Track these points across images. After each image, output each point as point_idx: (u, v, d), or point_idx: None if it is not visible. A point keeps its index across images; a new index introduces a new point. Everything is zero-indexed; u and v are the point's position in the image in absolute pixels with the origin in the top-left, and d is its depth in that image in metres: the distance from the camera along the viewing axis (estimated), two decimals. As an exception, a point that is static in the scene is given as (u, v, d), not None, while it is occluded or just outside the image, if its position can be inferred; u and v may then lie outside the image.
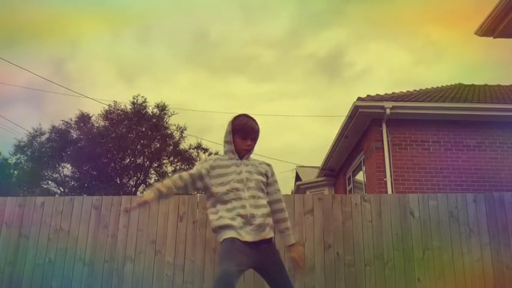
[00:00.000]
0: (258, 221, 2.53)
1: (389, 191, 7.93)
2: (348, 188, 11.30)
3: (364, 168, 9.52)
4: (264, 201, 2.61)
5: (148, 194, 2.50)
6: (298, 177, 17.16)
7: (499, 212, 3.98)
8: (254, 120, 2.76)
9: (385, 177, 8.13)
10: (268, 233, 2.61)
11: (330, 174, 12.65)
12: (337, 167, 12.07)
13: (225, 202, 2.55)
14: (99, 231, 4.02)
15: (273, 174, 2.78)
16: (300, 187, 13.79)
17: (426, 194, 4.11)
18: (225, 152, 2.73)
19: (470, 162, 8.37)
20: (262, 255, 2.54)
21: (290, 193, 16.72)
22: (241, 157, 2.71)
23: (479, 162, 8.36)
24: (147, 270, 3.87)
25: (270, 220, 2.63)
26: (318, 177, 13.52)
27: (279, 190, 2.76)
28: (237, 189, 2.57)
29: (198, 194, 4.17)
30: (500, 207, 4.00)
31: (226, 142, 2.73)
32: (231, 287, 2.25)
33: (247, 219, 2.50)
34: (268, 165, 2.80)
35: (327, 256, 3.85)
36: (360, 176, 10.16)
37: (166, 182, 2.62)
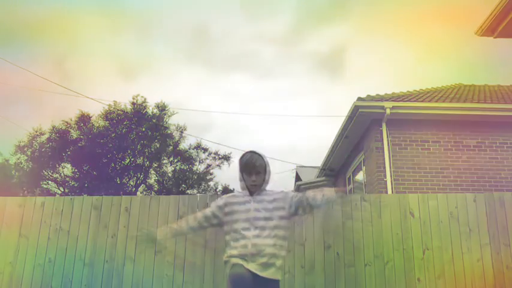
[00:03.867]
0: (261, 260, 2.56)
1: (390, 191, 7.93)
2: (348, 188, 11.30)
3: (364, 168, 9.52)
4: (270, 241, 2.60)
5: (160, 232, 2.85)
6: (298, 177, 17.16)
7: (499, 212, 3.98)
8: (258, 154, 2.78)
9: (385, 177, 8.13)
10: (273, 274, 2.60)
11: (330, 174, 12.64)
12: (337, 167, 12.07)
13: (234, 239, 2.64)
14: (99, 231, 4.02)
15: (288, 194, 2.80)
16: (300, 187, 13.79)
17: (426, 194, 4.11)
18: (241, 189, 2.83)
19: (470, 162, 8.37)
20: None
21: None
22: (251, 193, 2.76)
23: (479, 162, 8.37)
24: (147, 270, 3.87)
25: (276, 260, 2.62)
26: (318, 177, 13.51)
27: (298, 196, 2.78)
28: (243, 229, 2.63)
29: (198, 194, 4.17)
30: (500, 207, 4.00)
31: (239, 180, 2.82)
32: None
33: (250, 258, 2.55)
34: (282, 192, 2.82)
35: (327, 256, 3.85)
36: (360, 176, 10.16)
37: (180, 222, 2.84)
